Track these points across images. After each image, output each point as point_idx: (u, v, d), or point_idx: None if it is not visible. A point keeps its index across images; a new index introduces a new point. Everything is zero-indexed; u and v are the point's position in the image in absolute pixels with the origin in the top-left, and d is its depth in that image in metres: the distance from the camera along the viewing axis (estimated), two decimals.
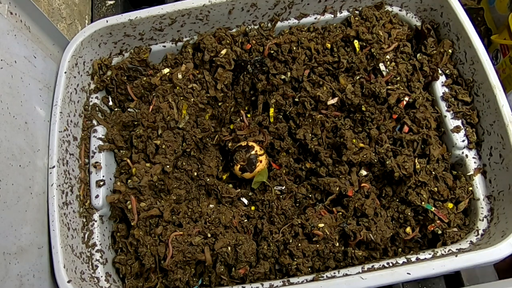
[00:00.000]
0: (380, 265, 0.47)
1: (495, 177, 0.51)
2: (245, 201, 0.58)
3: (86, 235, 0.52)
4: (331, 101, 0.57)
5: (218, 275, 0.50)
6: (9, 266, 0.43)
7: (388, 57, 0.58)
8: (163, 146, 0.54)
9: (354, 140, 0.54)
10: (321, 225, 0.50)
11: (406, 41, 0.60)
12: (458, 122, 0.54)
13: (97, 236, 0.53)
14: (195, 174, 0.58)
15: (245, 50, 0.61)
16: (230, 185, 0.60)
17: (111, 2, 0.75)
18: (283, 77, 0.60)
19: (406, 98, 0.55)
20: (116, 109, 0.61)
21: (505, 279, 0.47)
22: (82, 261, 0.50)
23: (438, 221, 0.50)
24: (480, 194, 0.51)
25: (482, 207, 0.50)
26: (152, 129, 0.56)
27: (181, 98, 0.57)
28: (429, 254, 0.48)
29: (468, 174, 0.53)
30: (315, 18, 0.62)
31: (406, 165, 0.51)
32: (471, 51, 0.54)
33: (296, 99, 0.59)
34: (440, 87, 0.57)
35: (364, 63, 0.58)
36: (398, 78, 0.57)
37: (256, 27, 0.62)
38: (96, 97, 0.61)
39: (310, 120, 0.58)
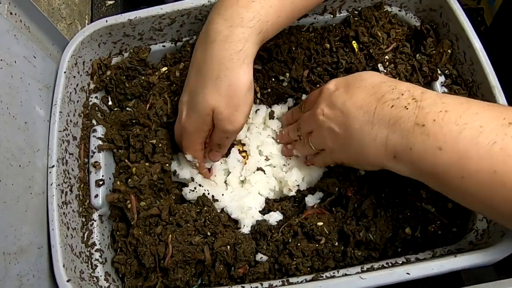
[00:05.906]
0: (379, 265, 0.47)
1: None
2: None
3: (86, 235, 0.52)
4: None
5: (218, 275, 0.50)
6: (9, 266, 0.43)
7: (387, 58, 0.58)
8: (160, 145, 0.54)
9: None
10: (320, 223, 0.50)
11: (405, 41, 0.60)
12: None
13: (97, 236, 0.53)
14: None
15: None
16: None
17: (111, 2, 0.75)
18: (282, 78, 0.60)
19: None
20: (115, 109, 0.61)
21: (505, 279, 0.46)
22: (81, 261, 0.50)
23: (438, 221, 0.50)
24: None
25: None
26: (148, 128, 0.56)
27: (178, 95, 0.57)
28: (429, 254, 0.48)
29: None
30: (315, 18, 0.62)
31: None
32: (470, 51, 0.54)
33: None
34: (439, 87, 0.57)
35: (363, 63, 0.58)
36: (397, 79, 0.57)
37: None
38: (96, 97, 0.61)
39: None
